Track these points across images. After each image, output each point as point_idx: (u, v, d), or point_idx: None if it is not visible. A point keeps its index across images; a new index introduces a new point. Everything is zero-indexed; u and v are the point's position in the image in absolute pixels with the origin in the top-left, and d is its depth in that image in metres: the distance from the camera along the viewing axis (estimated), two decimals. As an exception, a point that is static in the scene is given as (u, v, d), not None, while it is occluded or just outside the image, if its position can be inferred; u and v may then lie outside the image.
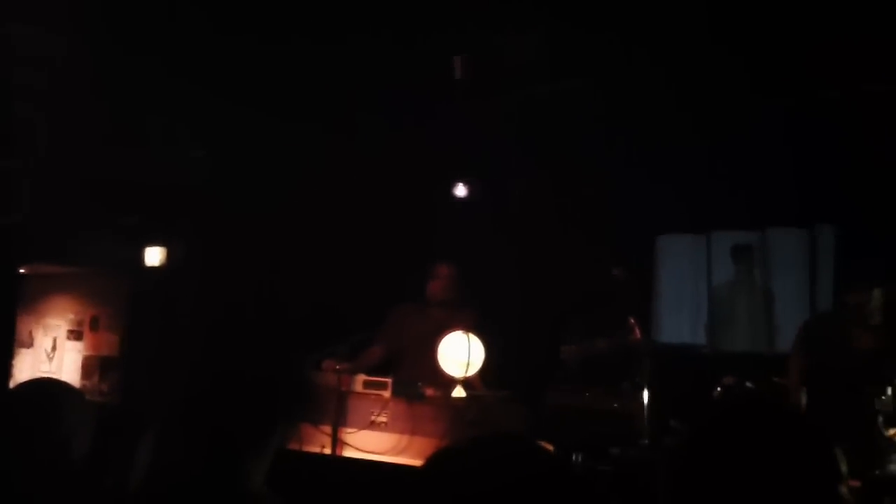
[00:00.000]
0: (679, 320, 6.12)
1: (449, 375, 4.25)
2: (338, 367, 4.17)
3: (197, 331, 5.53)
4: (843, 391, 3.71)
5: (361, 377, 4.29)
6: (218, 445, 1.45)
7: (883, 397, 3.43)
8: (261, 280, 5.71)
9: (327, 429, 4.06)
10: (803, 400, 3.88)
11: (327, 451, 4.05)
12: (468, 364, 4.22)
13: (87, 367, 6.60)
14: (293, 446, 3.75)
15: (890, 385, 3.49)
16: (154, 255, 6.34)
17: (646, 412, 4.36)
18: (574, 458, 3.80)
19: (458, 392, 4.22)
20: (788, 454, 1.14)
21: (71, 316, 6.78)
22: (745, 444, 1.16)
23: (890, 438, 3.57)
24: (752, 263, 5.94)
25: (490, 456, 1.01)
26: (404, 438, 4.07)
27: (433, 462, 1.03)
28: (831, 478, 1.13)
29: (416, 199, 6.16)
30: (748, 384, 3.71)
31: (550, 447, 1.41)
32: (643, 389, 4.40)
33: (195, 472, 1.46)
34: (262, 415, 1.49)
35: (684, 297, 6.15)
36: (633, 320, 4.64)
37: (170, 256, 6.32)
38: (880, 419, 3.52)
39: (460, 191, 6.22)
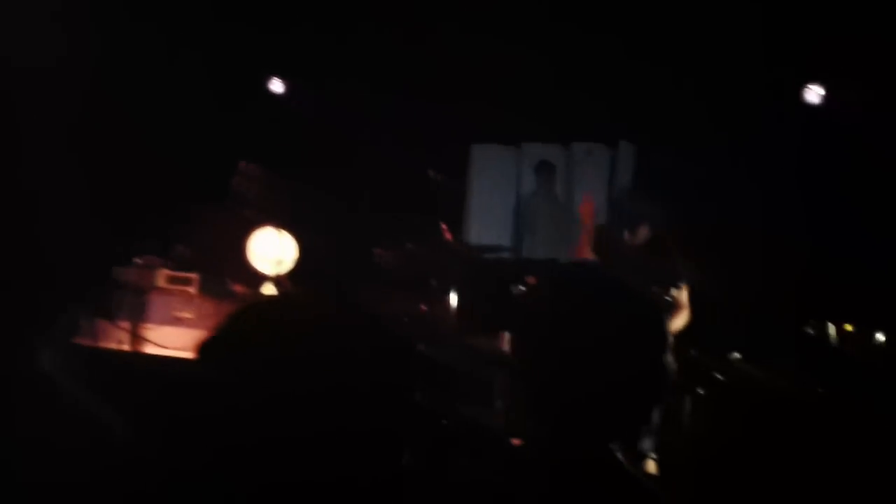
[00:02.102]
0: (488, 227, 6.35)
1: (259, 272, 4.17)
2: (140, 261, 3.97)
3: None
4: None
5: (164, 272, 4.12)
6: None
7: (667, 299, 3.74)
8: (59, 168, 5.25)
9: (125, 325, 3.88)
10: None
11: (126, 347, 3.88)
12: (279, 261, 4.16)
13: None
14: (88, 342, 3.56)
15: (672, 288, 3.81)
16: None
17: (452, 313, 4.50)
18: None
19: (268, 289, 4.16)
20: (625, 320, 1.23)
21: None
22: (584, 306, 1.23)
23: None
24: (553, 178, 6.25)
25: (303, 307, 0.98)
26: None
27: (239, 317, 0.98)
28: (660, 345, 1.23)
29: (228, 93, 5.86)
30: (547, 284, 3.89)
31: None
32: (450, 291, 4.53)
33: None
34: (50, 292, 1.36)
35: (494, 205, 6.38)
36: (444, 225, 4.72)
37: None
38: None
39: (276, 86, 5.99)
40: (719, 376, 3.50)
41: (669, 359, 1.26)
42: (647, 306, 1.28)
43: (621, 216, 4.22)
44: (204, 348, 0.97)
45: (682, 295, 4.17)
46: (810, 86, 5.25)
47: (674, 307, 4.11)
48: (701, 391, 3.42)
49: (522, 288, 3.89)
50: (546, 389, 1.28)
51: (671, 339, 1.30)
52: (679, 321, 4.13)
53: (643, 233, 4.09)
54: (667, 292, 4.02)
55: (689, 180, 5.09)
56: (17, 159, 5.33)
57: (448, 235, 4.55)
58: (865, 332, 3.42)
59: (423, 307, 4.59)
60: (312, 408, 0.90)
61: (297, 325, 0.95)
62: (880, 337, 3.35)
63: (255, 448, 0.89)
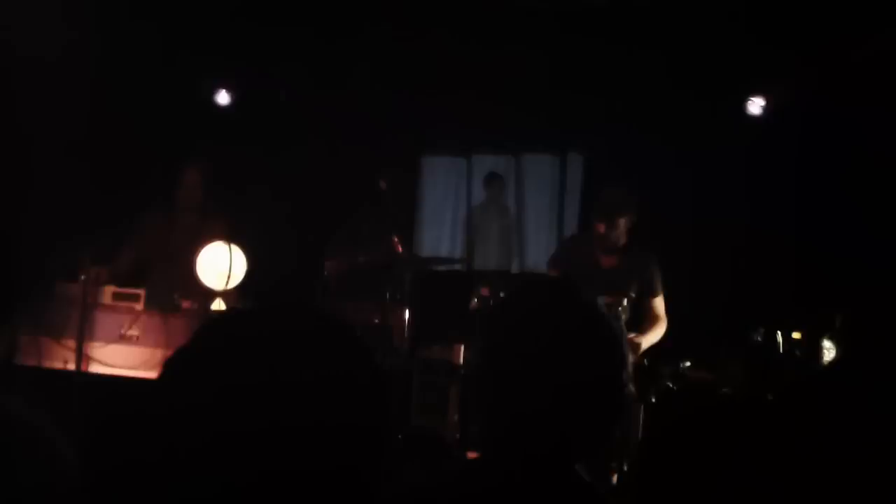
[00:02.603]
0: (439, 238, 6.36)
1: (207, 287, 4.09)
2: (83, 276, 3.86)
3: None
4: None
5: (110, 288, 4.02)
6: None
7: (620, 308, 3.77)
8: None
9: (71, 343, 3.77)
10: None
11: (71, 366, 3.76)
12: (229, 276, 4.07)
13: None
14: (31, 361, 3.45)
15: (626, 297, 3.83)
16: None
17: (405, 324, 4.48)
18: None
19: (217, 304, 4.07)
20: (583, 337, 1.22)
21: None
22: (543, 323, 1.22)
23: (630, 340, 3.93)
24: (502, 189, 6.30)
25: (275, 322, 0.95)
26: (158, 352, 3.88)
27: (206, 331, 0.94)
28: (618, 363, 1.23)
29: (172, 101, 5.75)
30: (501, 295, 3.90)
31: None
32: (403, 303, 4.51)
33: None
34: None
35: (444, 217, 6.39)
36: (395, 238, 4.70)
37: None
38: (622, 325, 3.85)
39: (222, 98, 5.91)
40: (671, 385, 3.53)
41: (628, 374, 1.25)
42: (606, 322, 1.28)
43: (598, 210, 4.20)
44: (171, 365, 0.92)
45: (659, 304, 4.18)
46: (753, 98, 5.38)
47: (651, 318, 4.12)
48: (653, 400, 3.46)
49: (475, 299, 3.89)
50: (507, 403, 1.27)
51: (629, 355, 1.28)
52: (657, 333, 4.11)
53: (621, 225, 4.07)
54: (644, 302, 4.05)
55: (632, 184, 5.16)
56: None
57: (398, 248, 4.52)
58: (813, 340, 3.50)
59: (376, 319, 4.56)
60: (295, 427, 0.86)
61: (272, 338, 0.91)
62: (828, 344, 3.43)
63: (221, 469, 0.85)
